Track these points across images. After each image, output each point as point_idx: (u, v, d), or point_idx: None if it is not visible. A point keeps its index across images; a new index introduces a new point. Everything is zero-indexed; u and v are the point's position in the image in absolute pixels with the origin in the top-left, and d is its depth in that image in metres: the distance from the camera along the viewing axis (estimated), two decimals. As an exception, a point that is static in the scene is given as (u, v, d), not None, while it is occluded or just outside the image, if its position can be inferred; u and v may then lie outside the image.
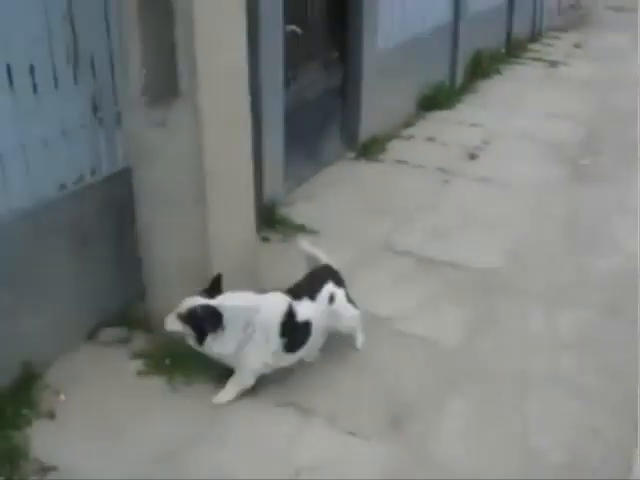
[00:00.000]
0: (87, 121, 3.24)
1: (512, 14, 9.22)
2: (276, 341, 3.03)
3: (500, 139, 6.41)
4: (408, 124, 6.61)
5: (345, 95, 5.77)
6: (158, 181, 3.16)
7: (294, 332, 3.08)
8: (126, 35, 2.99)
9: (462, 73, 7.76)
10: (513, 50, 9.29)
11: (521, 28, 9.68)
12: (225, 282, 3.02)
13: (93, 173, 3.34)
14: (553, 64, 8.94)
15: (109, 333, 3.50)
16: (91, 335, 3.48)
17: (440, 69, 7.40)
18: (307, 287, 3.22)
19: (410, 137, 6.36)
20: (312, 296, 3.16)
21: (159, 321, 3.07)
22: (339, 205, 4.95)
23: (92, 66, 3.20)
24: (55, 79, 3.05)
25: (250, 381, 3.09)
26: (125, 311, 3.57)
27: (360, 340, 3.45)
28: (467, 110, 7.17)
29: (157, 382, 3.18)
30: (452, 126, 6.69)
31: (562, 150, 6.21)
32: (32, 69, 2.94)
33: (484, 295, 3.93)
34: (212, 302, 2.94)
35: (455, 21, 7.45)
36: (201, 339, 2.97)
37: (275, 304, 3.07)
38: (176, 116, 3.00)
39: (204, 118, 2.97)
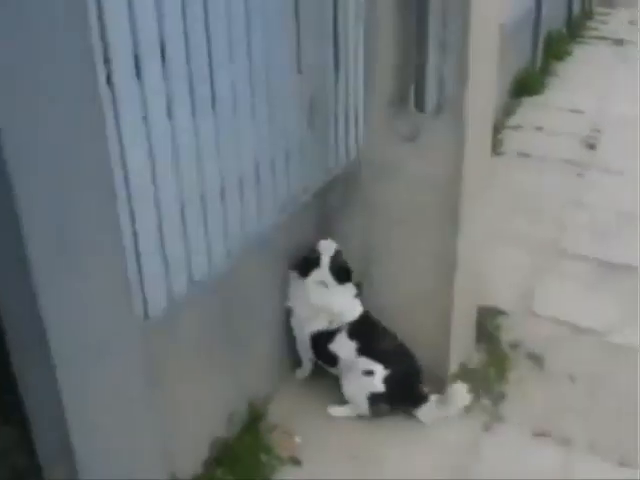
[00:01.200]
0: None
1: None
2: None
3: (608, 126, 6.19)
4: (509, 112, 6.38)
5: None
6: (398, 200, 2.92)
7: None
8: (376, 36, 2.71)
9: (541, 56, 7.53)
10: (574, 29, 9.06)
11: (576, 6, 9.46)
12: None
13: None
14: (618, 42, 8.74)
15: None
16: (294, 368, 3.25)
17: (524, 54, 7.17)
18: None
19: (518, 127, 6.13)
20: None
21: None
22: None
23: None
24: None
25: None
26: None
27: None
28: (559, 95, 6.94)
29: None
30: (553, 113, 6.47)
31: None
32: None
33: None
34: None
35: (537, 3, 7.20)
36: None
37: None
38: (432, 131, 2.75)
39: (467, 135, 2.72)
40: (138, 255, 2.20)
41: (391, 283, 3.05)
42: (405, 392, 2.97)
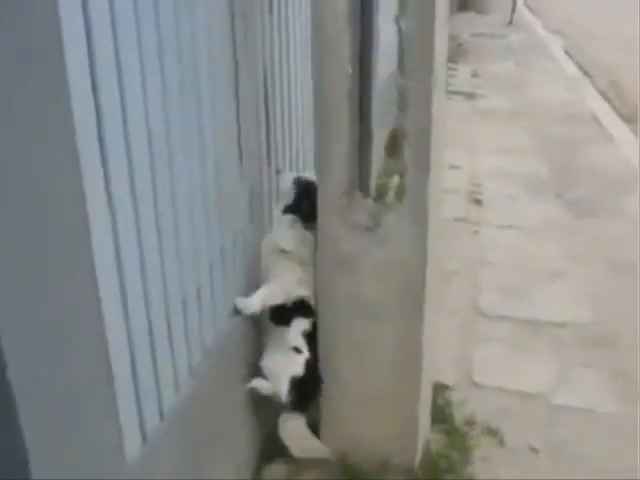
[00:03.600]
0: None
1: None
2: None
3: (484, 179, 6.43)
4: (390, 173, 6.44)
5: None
6: (357, 291, 2.78)
7: None
8: (329, 120, 2.59)
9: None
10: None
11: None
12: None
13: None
14: (470, 96, 9.18)
15: (274, 470, 3.06)
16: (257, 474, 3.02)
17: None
18: None
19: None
20: None
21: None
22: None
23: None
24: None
25: None
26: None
27: None
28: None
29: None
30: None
31: (544, 185, 6.35)
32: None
33: (607, 352, 3.88)
34: None
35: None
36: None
37: None
38: (391, 219, 2.65)
39: (429, 220, 2.64)
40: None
41: (356, 379, 2.89)
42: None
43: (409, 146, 2.52)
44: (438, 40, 2.46)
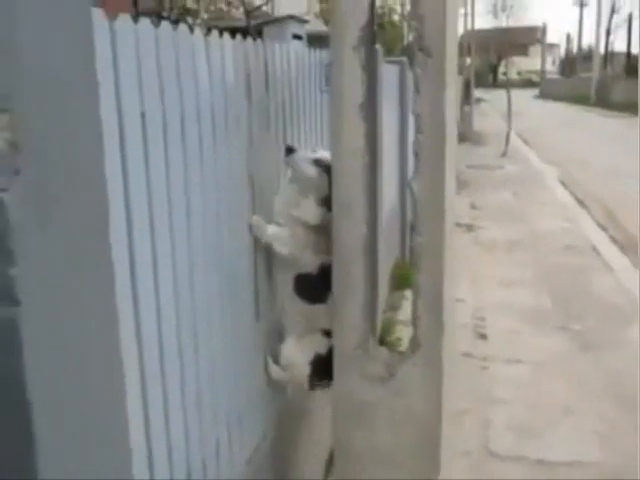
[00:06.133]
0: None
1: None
2: None
3: (488, 312, 6.53)
4: (395, 307, 6.57)
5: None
6: (373, 440, 2.82)
7: None
8: (346, 275, 2.72)
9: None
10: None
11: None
12: None
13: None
14: (470, 228, 9.44)
15: None
16: None
17: (393, 249, 7.54)
18: None
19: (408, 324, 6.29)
20: None
21: None
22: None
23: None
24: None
25: None
26: None
27: None
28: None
29: None
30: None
31: (548, 317, 6.45)
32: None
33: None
34: None
35: (402, 201, 7.68)
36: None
37: None
38: (406, 369, 2.73)
39: (444, 371, 2.72)
40: None
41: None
42: None
43: (422, 300, 2.63)
44: (448, 199, 2.62)
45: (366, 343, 2.77)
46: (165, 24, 1.96)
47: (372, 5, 2.48)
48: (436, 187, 2.52)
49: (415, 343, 2.68)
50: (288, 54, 3.10)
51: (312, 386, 2.96)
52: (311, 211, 2.82)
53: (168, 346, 1.98)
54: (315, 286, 2.85)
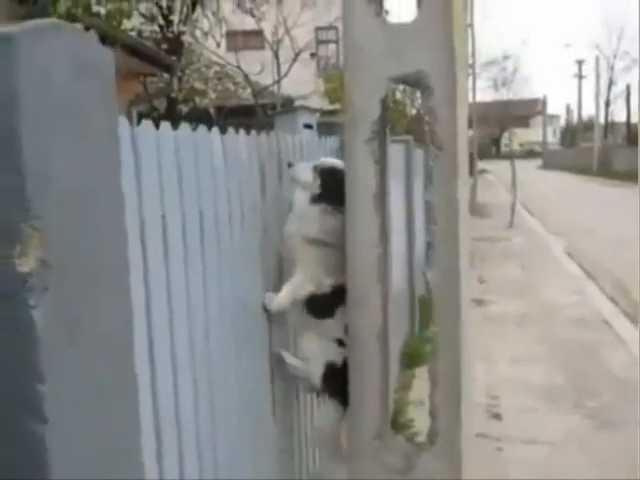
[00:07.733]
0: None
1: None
2: None
3: (501, 391, 6.45)
4: (406, 387, 6.50)
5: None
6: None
7: None
8: (362, 364, 2.71)
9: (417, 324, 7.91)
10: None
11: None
12: None
13: None
14: (479, 303, 9.41)
15: None
16: None
17: (402, 325, 7.51)
18: None
19: (420, 403, 6.21)
20: None
21: None
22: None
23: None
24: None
25: None
26: None
27: None
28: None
29: None
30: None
31: (561, 394, 6.36)
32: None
33: None
34: None
35: (410, 275, 7.70)
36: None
37: None
38: (424, 461, 2.69)
39: (463, 460, 2.68)
40: None
41: None
42: None
43: (440, 390, 2.61)
44: (463, 287, 2.63)
45: (384, 433, 2.73)
46: (185, 126, 2.01)
47: (384, 100, 2.54)
48: (451, 277, 2.54)
49: (433, 433, 2.65)
50: (301, 144, 3.17)
51: (323, 388, 2.92)
52: (315, 224, 2.85)
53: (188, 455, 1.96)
54: (326, 304, 2.87)
